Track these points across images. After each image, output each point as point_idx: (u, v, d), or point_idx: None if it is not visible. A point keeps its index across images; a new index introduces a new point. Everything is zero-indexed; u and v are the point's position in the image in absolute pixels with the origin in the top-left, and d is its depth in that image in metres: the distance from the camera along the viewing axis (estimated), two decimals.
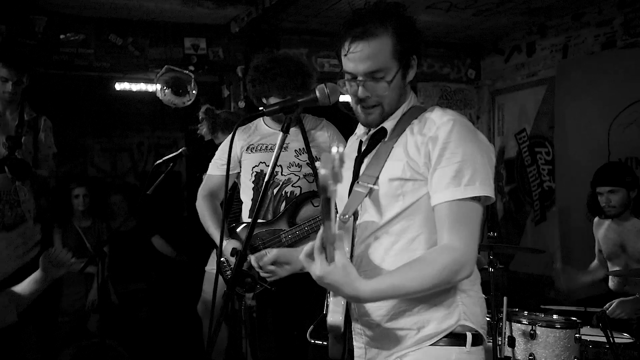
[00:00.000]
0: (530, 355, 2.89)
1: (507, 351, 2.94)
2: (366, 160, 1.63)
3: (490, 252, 3.07)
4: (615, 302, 3.18)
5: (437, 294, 1.51)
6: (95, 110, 6.21)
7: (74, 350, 3.73)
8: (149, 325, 4.81)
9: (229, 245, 2.67)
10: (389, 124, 1.61)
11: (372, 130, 1.64)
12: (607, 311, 3.16)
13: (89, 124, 6.39)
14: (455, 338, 1.53)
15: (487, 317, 2.89)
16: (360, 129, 1.71)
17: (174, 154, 3.29)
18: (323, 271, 1.32)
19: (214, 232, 2.84)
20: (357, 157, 1.67)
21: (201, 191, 2.94)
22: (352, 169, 1.66)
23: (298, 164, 2.85)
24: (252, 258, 1.84)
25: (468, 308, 1.55)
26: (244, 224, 2.89)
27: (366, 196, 1.56)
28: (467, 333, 1.54)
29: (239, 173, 2.94)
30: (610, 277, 3.54)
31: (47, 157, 3.73)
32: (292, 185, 2.84)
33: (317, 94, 1.67)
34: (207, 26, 5.19)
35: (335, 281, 1.33)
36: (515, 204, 5.75)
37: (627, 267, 3.43)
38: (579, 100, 4.90)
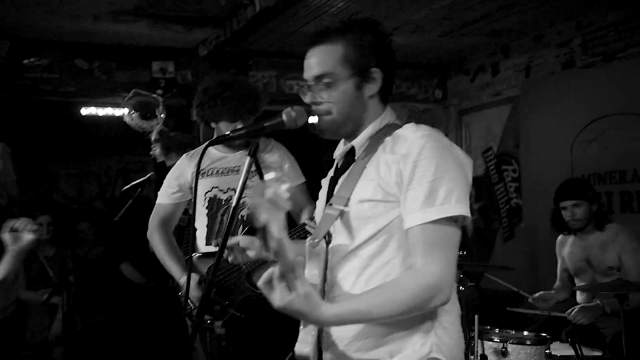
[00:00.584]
0: None
1: None
2: (340, 181, 1.57)
3: (461, 271, 3.09)
4: (576, 308, 3.27)
5: (411, 320, 1.42)
6: (61, 136, 6.11)
7: None
8: (117, 357, 4.69)
9: (191, 281, 2.58)
10: (357, 141, 1.55)
11: (345, 148, 1.60)
12: (569, 317, 3.23)
13: (55, 150, 6.28)
14: None
15: None
16: (338, 148, 1.67)
17: (143, 178, 3.25)
18: (284, 301, 1.27)
19: (171, 266, 2.75)
20: (332, 177, 1.63)
21: (153, 222, 2.85)
22: (327, 190, 1.62)
23: (251, 186, 2.79)
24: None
25: (441, 340, 1.44)
26: (200, 255, 2.79)
27: (337, 218, 1.51)
28: None
29: (189, 200, 2.86)
30: (578, 292, 3.60)
31: (6, 184, 3.63)
32: (247, 209, 2.77)
33: (284, 117, 1.65)
34: (175, 49, 5.18)
35: (296, 310, 1.28)
36: (484, 221, 5.82)
37: (593, 281, 3.49)
38: (542, 119, 5.02)
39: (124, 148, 6.55)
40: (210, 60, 5.18)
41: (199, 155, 2.68)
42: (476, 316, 2.99)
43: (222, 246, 1.81)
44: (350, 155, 1.59)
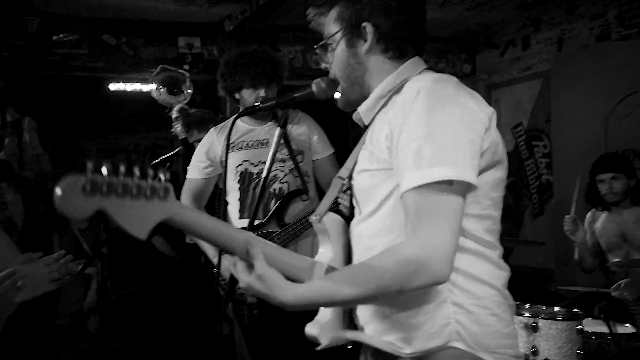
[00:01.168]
0: (532, 347, 2.88)
1: None
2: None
3: None
4: (622, 283, 3.18)
5: (420, 303, 1.25)
6: (90, 111, 6.19)
7: (74, 353, 3.70)
8: (150, 327, 4.79)
9: (225, 260, 2.57)
10: (362, 106, 1.41)
11: (355, 116, 1.45)
12: (614, 293, 3.16)
13: (84, 126, 6.36)
14: None
15: None
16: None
17: (171, 153, 3.26)
18: (245, 283, 1.22)
19: (204, 243, 2.68)
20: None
21: (185, 197, 2.83)
22: None
23: (281, 159, 2.75)
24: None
25: (464, 327, 1.24)
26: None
27: (340, 192, 1.43)
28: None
29: (220, 174, 2.85)
30: (610, 268, 3.53)
31: (33, 158, 3.70)
32: (279, 182, 2.75)
33: (314, 88, 1.63)
34: (201, 25, 5.17)
35: (257, 292, 1.21)
36: (513, 197, 5.75)
37: (627, 256, 3.43)
38: (575, 93, 4.89)
39: (152, 123, 6.61)
40: (236, 35, 5.16)
41: (228, 129, 2.69)
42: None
43: (252, 219, 1.82)
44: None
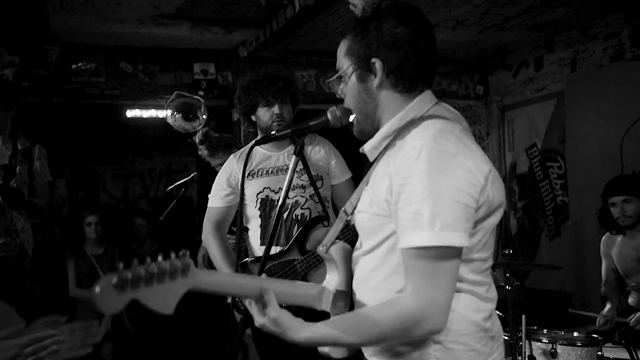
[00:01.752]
0: None
1: None
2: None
3: (507, 270, 3.04)
4: (638, 313, 3.13)
5: (403, 343, 1.33)
6: (107, 138, 6.28)
7: None
8: (165, 354, 4.78)
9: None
10: (368, 144, 1.44)
11: (361, 151, 1.50)
12: (631, 322, 3.11)
13: (101, 152, 6.45)
14: None
15: (505, 336, 2.85)
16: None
17: (186, 179, 3.29)
18: (259, 324, 1.33)
19: (220, 267, 2.76)
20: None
21: (208, 225, 2.84)
22: None
23: (302, 185, 2.76)
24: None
25: None
26: (253, 259, 2.78)
27: (344, 225, 1.49)
28: None
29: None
30: (630, 292, 3.48)
31: (43, 185, 3.74)
32: (301, 208, 2.77)
33: (329, 116, 1.65)
34: (216, 51, 5.25)
35: (270, 331, 1.32)
36: (528, 219, 5.70)
37: None
38: (589, 114, 4.88)
39: (167, 149, 6.69)
40: (251, 61, 5.23)
41: (244, 156, 2.71)
42: (523, 316, 2.92)
43: (269, 245, 1.83)
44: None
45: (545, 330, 3.08)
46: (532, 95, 5.60)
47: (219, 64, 5.25)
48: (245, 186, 2.81)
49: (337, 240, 1.52)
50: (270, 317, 1.30)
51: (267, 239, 2.74)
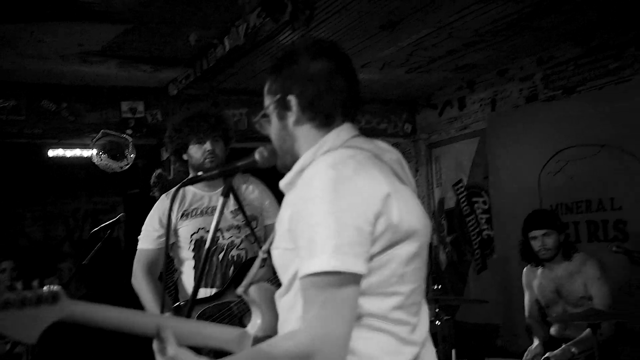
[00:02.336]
0: None
1: None
2: None
3: (436, 305, 3.09)
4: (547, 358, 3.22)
5: None
6: (27, 178, 5.99)
7: None
8: None
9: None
10: (284, 180, 1.42)
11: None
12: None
13: (21, 192, 6.14)
14: None
15: None
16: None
17: (112, 220, 3.18)
18: None
19: (146, 303, 2.69)
20: None
21: (138, 268, 2.76)
22: None
23: (237, 225, 2.75)
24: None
25: None
26: (184, 302, 2.72)
27: (260, 266, 1.49)
28: None
29: (173, 243, 2.79)
30: (552, 323, 3.61)
31: None
32: (237, 249, 2.74)
33: (257, 156, 1.64)
34: (145, 89, 5.17)
35: None
36: (457, 253, 5.86)
37: (565, 312, 3.51)
38: (509, 151, 5.13)
39: (92, 189, 6.44)
40: (180, 99, 5.18)
41: (172, 197, 2.66)
42: (453, 350, 2.98)
43: (196, 287, 1.78)
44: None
45: None
46: (457, 133, 5.84)
47: (147, 102, 5.17)
48: (178, 227, 2.76)
49: (264, 283, 1.50)
50: (168, 355, 1.28)
51: (202, 281, 2.69)
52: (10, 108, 4.68)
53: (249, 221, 2.71)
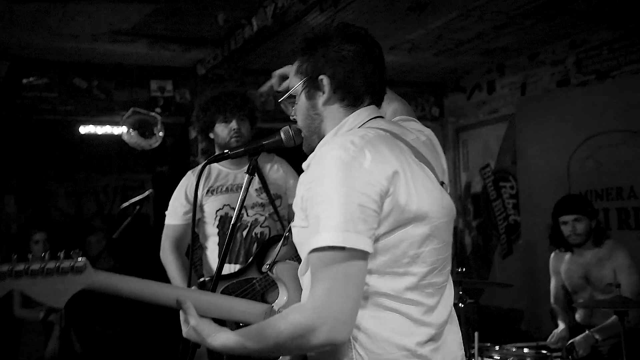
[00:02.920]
0: None
1: None
2: None
3: (460, 288, 3.09)
4: (573, 344, 3.19)
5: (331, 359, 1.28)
6: (59, 154, 6.13)
7: None
8: None
9: None
10: (309, 159, 1.41)
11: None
12: (550, 342, 3.20)
13: (54, 168, 6.29)
14: None
15: None
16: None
17: (141, 196, 3.24)
18: (184, 333, 1.37)
19: (174, 280, 2.73)
20: None
21: (166, 243, 2.81)
22: None
23: (261, 203, 2.78)
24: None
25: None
26: (209, 278, 2.73)
27: (283, 244, 1.52)
28: None
29: (199, 219, 2.83)
30: (577, 309, 3.59)
31: None
32: (260, 226, 2.78)
33: (282, 135, 1.66)
34: (174, 68, 5.22)
35: (192, 339, 1.37)
36: (483, 238, 5.82)
37: (592, 298, 3.48)
38: (539, 136, 5.05)
39: (122, 166, 6.57)
40: (208, 79, 5.21)
41: (198, 174, 2.71)
42: (476, 333, 2.98)
43: (221, 263, 1.81)
44: None
45: (497, 347, 3.15)
46: (485, 118, 5.77)
47: (176, 81, 5.23)
48: (204, 203, 2.80)
49: (288, 260, 1.53)
50: (190, 325, 1.34)
51: (227, 257, 2.73)
52: (43, 85, 4.78)
53: (272, 199, 2.74)
